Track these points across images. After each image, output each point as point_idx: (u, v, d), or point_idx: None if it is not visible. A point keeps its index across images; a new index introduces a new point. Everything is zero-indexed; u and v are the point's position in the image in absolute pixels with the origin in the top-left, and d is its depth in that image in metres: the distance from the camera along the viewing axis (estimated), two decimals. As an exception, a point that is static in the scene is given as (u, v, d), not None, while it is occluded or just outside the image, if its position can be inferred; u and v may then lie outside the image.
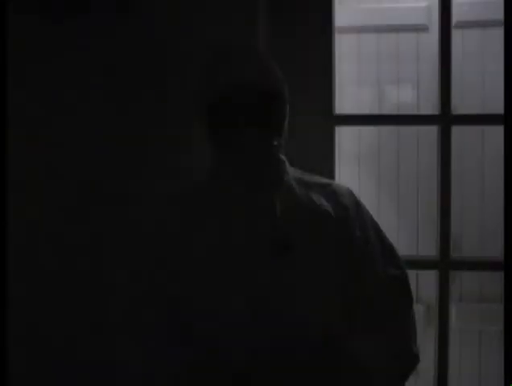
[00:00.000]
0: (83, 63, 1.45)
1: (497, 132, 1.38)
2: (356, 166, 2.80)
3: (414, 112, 2.82)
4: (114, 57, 1.44)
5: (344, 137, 2.60)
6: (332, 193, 1.19)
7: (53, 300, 1.45)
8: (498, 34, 1.39)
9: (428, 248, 1.64)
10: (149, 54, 1.43)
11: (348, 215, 1.17)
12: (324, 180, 1.25)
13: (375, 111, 2.83)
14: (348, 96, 2.76)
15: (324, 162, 1.50)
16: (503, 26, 1.21)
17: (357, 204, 1.21)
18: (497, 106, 1.39)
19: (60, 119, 1.45)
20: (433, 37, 2.00)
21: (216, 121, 1.14)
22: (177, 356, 1.10)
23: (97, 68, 1.45)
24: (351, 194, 1.22)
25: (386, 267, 1.17)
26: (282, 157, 1.17)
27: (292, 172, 1.20)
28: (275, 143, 1.13)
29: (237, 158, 1.12)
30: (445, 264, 1.52)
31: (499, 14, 1.32)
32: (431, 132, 1.60)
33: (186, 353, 1.09)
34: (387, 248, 1.20)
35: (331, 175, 1.48)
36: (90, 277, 1.44)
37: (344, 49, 2.60)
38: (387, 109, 2.90)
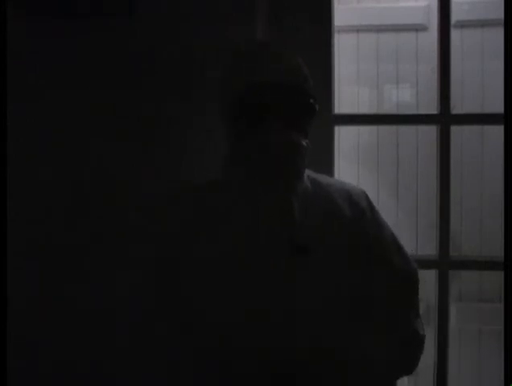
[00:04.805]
0: (86, 62, 1.45)
1: (497, 132, 1.38)
2: (355, 164, 2.80)
3: (414, 111, 2.82)
4: (116, 54, 1.44)
5: (344, 135, 2.59)
6: (347, 194, 1.20)
7: (53, 302, 1.45)
8: (498, 33, 1.39)
9: (428, 247, 1.64)
10: (151, 53, 1.44)
11: (364, 216, 1.18)
12: (339, 181, 1.26)
13: (374, 110, 2.83)
14: (348, 96, 2.75)
15: (324, 161, 1.50)
16: (503, 26, 1.21)
17: (371, 206, 1.21)
18: (497, 106, 1.38)
19: (60, 118, 1.45)
20: (432, 36, 2.00)
21: (246, 118, 1.09)
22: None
23: (101, 66, 1.45)
24: (365, 196, 1.22)
25: (401, 265, 1.18)
26: (306, 159, 1.14)
27: (307, 173, 1.19)
28: (305, 144, 1.10)
29: (264, 157, 1.08)
30: (445, 263, 1.53)
31: (499, 13, 1.32)
32: (431, 130, 1.60)
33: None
34: (401, 249, 1.21)
35: (330, 174, 1.48)
36: (91, 278, 1.44)
37: (344, 48, 2.60)
38: (386, 109, 2.90)
